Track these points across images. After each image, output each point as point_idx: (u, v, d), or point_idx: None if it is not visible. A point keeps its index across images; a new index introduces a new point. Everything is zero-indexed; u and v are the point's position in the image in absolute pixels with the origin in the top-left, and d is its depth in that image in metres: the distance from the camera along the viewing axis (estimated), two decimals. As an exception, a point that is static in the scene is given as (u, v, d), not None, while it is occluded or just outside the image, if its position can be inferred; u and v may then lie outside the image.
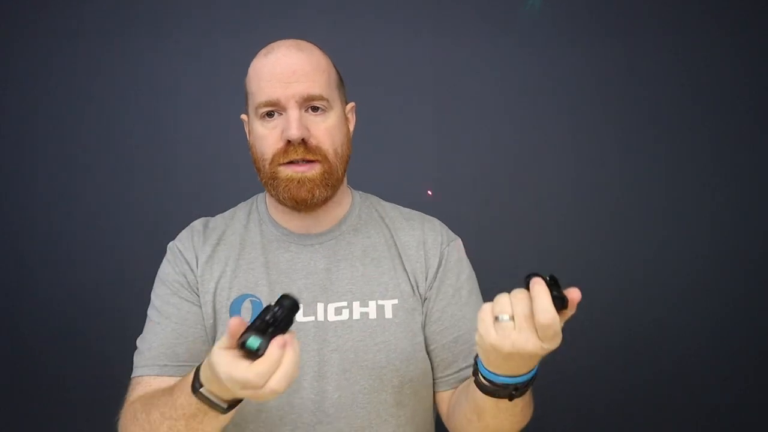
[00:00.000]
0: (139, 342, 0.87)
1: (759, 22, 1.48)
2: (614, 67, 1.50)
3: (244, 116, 0.90)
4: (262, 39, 1.49)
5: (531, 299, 0.62)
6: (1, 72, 1.52)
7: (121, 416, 0.80)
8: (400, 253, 0.89)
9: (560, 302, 0.61)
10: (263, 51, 0.85)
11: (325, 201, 0.86)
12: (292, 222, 0.88)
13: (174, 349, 0.83)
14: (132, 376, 0.85)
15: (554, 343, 0.61)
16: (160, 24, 1.52)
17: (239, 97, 1.50)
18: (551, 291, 0.61)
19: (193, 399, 0.67)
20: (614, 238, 1.50)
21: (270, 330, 0.60)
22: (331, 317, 0.83)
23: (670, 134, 1.50)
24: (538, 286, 0.61)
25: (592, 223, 1.51)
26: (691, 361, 1.50)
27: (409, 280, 0.88)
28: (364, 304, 0.84)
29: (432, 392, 0.91)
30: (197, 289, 0.86)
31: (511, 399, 0.69)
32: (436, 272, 0.89)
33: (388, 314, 0.84)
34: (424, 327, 0.88)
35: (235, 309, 0.83)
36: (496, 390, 0.69)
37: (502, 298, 0.64)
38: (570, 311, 0.63)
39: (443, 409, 0.90)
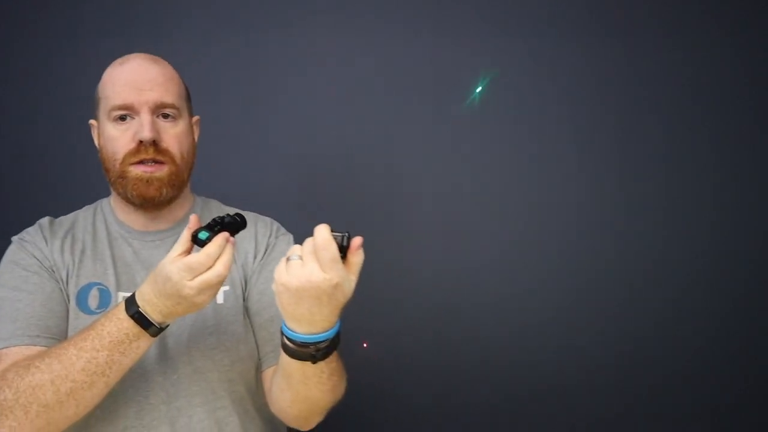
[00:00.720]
0: None
1: (760, 22, 1.48)
2: (614, 67, 1.50)
3: (93, 121, 0.96)
4: (263, 39, 1.51)
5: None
6: (1, 72, 1.53)
7: None
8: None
9: (341, 239, 0.69)
10: (118, 61, 0.93)
11: (170, 201, 0.95)
12: (136, 220, 0.96)
13: (45, 321, 0.85)
14: None
15: (335, 272, 0.67)
16: (160, 24, 1.52)
17: (239, 97, 1.52)
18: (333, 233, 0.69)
19: (126, 323, 0.75)
20: (615, 238, 1.50)
21: (216, 228, 0.76)
22: None
23: (670, 134, 1.50)
24: (320, 226, 0.69)
25: (593, 223, 1.51)
26: (691, 362, 1.50)
27: (240, 269, 0.97)
28: None
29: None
30: (54, 273, 0.90)
31: (314, 362, 0.75)
32: (261, 258, 0.98)
33: (219, 300, 0.93)
34: (246, 308, 0.96)
35: (83, 295, 0.89)
36: (298, 350, 0.75)
37: (296, 246, 0.72)
38: (356, 257, 0.71)
39: (267, 387, 0.95)
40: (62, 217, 1.00)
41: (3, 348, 0.82)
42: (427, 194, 1.52)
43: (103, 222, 0.97)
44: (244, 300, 0.97)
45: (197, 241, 0.75)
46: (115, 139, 0.90)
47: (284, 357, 0.77)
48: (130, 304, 0.77)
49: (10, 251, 0.93)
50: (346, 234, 0.70)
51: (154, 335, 0.78)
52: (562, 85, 1.50)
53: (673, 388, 1.50)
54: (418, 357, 1.52)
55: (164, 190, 0.91)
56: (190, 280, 0.73)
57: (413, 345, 1.52)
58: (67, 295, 0.89)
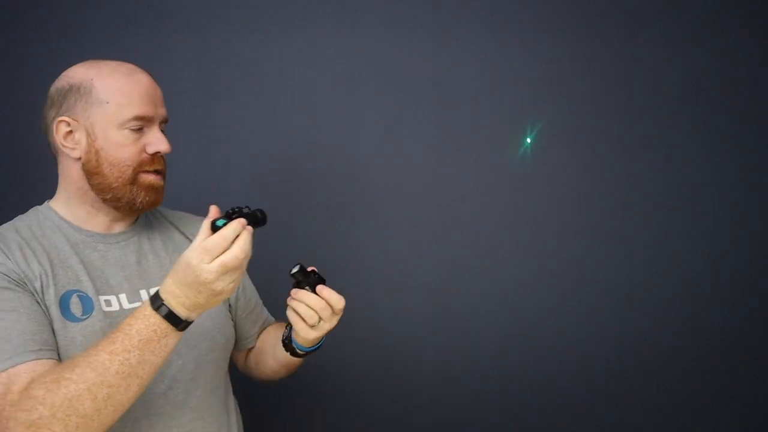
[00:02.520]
0: None
1: (761, 22, 1.48)
2: (615, 67, 1.50)
3: (68, 119, 0.91)
4: (263, 39, 1.51)
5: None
6: (0, 72, 1.53)
7: (11, 413, 0.73)
8: (190, 239, 1.05)
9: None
10: (122, 70, 0.93)
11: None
12: (98, 225, 0.96)
13: (41, 335, 0.81)
14: None
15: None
16: (160, 24, 1.52)
17: (238, 97, 1.52)
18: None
19: (153, 319, 0.77)
20: (616, 239, 1.50)
21: (234, 217, 0.80)
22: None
23: (672, 134, 1.49)
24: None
25: (594, 223, 1.50)
26: (694, 362, 1.50)
27: None
28: None
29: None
30: (28, 286, 0.85)
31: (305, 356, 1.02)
32: None
33: None
34: (237, 299, 1.09)
35: (65, 303, 0.86)
36: (302, 355, 1.02)
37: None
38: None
39: (243, 360, 1.17)
40: (6, 230, 0.92)
41: (10, 368, 0.77)
42: (428, 194, 1.52)
43: (56, 230, 0.93)
44: None
45: (216, 229, 0.78)
46: (126, 146, 0.92)
47: (283, 352, 1.01)
48: (155, 299, 0.78)
49: None
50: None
51: (181, 330, 0.79)
52: (562, 85, 1.50)
53: (674, 389, 1.50)
54: (418, 356, 1.52)
55: (161, 199, 0.98)
56: (209, 263, 0.76)
57: (412, 345, 1.52)
58: (46, 306, 0.85)
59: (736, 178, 1.49)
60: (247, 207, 0.83)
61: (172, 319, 0.78)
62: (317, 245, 1.51)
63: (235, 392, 1.11)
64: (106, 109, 0.91)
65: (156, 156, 0.95)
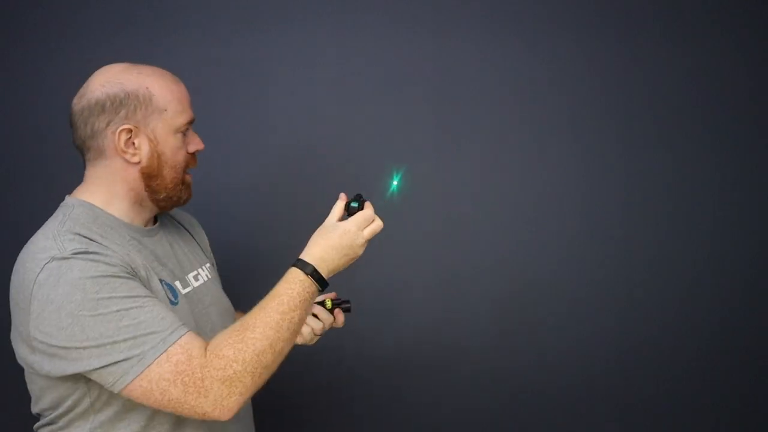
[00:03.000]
0: (130, 333, 0.82)
1: (761, 22, 1.48)
2: (615, 67, 1.50)
3: (131, 126, 0.94)
4: (263, 39, 1.51)
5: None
6: (0, 72, 1.53)
7: (205, 373, 0.83)
8: (189, 230, 1.17)
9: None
10: (169, 77, 0.99)
11: None
12: (142, 220, 1.02)
13: (174, 312, 0.91)
14: (161, 351, 0.82)
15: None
16: (160, 24, 1.52)
17: (238, 97, 1.52)
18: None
19: (307, 282, 0.93)
20: (616, 239, 1.50)
21: (361, 200, 1.04)
22: (194, 284, 1.05)
23: (671, 134, 1.50)
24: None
25: (594, 223, 1.51)
26: (694, 362, 1.50)
27: (202, 248, 1.18)
28: (202, 269, 1.10)
29: None
30: (136, 275, 0.91)
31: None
32: (206, 240, 1.23)
33: (210, 274, 1.12)
34: None
35: (165, 287, 0.96)
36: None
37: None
38: None
39: None
40: (65, 228, 0.91)
41: (180, 339, 0.84)
42: (428, 194, 1.52)
43: (109, 227, 0.94)
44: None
45: (350, 209, 1.02)
46: (180, 149, 1.00)
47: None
48: (304, 265, 0.94)
49: (79, 268, 0.84)
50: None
51: (321, 291, 0.96)
52: (562, 85, 1.50)
53: (674, 389, 1.50)
54: (418, 356, 1.52)
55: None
56: (363, 230, 0.99)
57: (412, 345, 1.52)
58: (154, 292, 0.92)
59: (736, 178, 1.49)
60: (361, 195, 1.04)
61: (320, 280, 0.94)
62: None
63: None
64: (165, 116, 0.96)
65: (194, 155, 1.03)
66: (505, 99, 1.51)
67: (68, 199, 0.97)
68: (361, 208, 1.02)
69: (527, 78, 1.50)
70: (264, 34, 1.52)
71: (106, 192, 0.96)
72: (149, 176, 0.96)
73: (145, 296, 0.86)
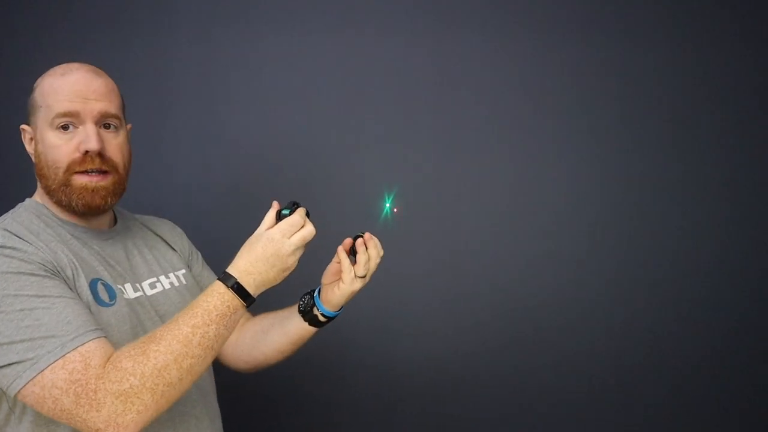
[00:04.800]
0: (28, 334, 0.78)
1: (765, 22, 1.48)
2: (617, 66, 1.49)
3: (26, 127, 0.97)
4: (263, 40, 1.51)
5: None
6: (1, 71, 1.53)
7: (98, 384, 0.76)
8: (163, 238, 1.13)
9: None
10: (59, 71, 0.95)
11: (111, 208, 1.01)
12: (86, 222, 0.99)
13: (91, 317, 0.84)
14: (58, 357, 0.77)
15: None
16: (160, 24, 1.52)
17: (237, 97, 1.52)
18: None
19: (227, 296, 0.86)
20: (619, 240, 1.51)
21: (294, 207, 0.94)
22: (149, 291, 1.00)
23: (673, 134, 1.50)
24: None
25: (595, 223, 1.51)
26: (696, 365, 1.50)
27: (179, 255, 1.13)
28: (166, 277, 1.05)
29: None
30: (60, 272, 0.87)
31: (320, 327, 1.08)
32: (188, 247, 1.18)
33: (183, 281, 1.08)
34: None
35: (94, 290, 0.90)
36: (322, 322, 1.07)
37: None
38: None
39: (228, 350, 1.17)
40: (2, 225, 0.90)
41: (81, 346, 0.78)
42: (428, 194, 1.52)
43: (55, 224, 0.95)
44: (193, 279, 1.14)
45: (280, 218, 0.93)
46: (57, 147, 0.92)
47: (300, 324, 1.06)
48: (227, 278, 0.87)
49: (3, 262, 0.83)
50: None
51: (248, 306, 0.89)
52: (564, 85, 1.50)
53: (678, 392, 1.51)
54: (418, 357, 1.53)
55: (109, 199, 0.95)
56: (290, 237, 0.90)
57: (413, 346, 1.53)
58: (78, 291, 0.88)
59: (743, 178, 1.49)
60: (296, 202, 0.96)
61: (244, 295, 0.87)
62: (317, 245, 1.51)
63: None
64: (41, 112, 0.93)
65: (88, 155, 0.92)
66: (506, 99, 1.50)
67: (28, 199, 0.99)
68: (289, 214, 0.94)
69: (528, 78, 1.50)
70: (264, 34, 1.52)
71: (39, 191, 0.98)
72: (39, 176, 0.95)
73: (58, 296, 0.81)
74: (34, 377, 0.77)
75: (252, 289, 0.88)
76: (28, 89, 0.97)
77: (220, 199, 1.50)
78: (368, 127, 1.53)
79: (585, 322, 1.50)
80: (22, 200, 0.99)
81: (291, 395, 1.54)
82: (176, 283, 1.06)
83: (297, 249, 0.91)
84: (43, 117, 0.93)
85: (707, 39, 1.48)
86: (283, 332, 1.09)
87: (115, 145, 0.96)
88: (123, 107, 1.01)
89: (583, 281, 1.50)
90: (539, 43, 1.50)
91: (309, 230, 0.93)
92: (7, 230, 0.87)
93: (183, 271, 1.10)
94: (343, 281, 1.03)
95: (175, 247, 1.13)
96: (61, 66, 0.96)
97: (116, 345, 0.84)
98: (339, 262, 1.05)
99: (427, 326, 1.52)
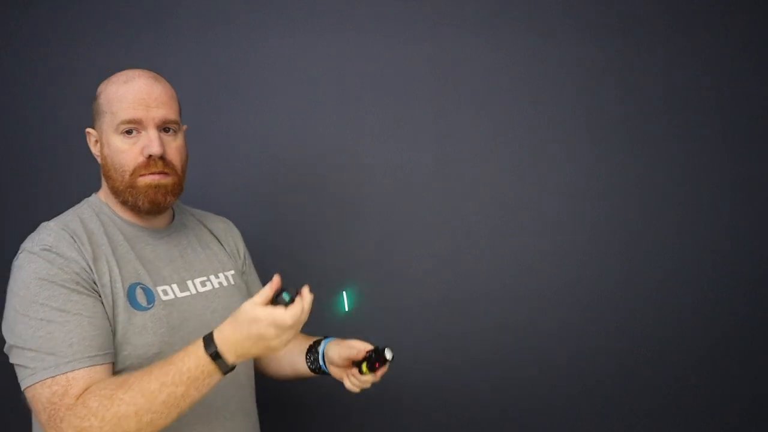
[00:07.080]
0: (38, 345, 0.86)
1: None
2: (617, 67, 1.50)
3: (91, 130, 1.04)
4: (263, 39, 1.51)
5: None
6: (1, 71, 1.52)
7: (66, 415, 0.83)
8: (216, 237, 1.17)
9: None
10: (122, 78, 1.00)
11: (170, 206, 1.07)
12: (143, 221, 1.05)
13: (96, 340, 0.89)
14: (49, 376, 0.85)
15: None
16: (160, 24, 1.51)
17: (238, 98, 1.51)
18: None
19: (203, 361, 0.84)
20: (619, 239, 1.50)
21: (291, 289, 0.84)
22: (200, 289, 1.05)
23: (673, 134, 1.50)
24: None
25: (595, 224, 1.50)
26: (697, 365, 1.50)
27: (229, 255, 1.16)
28: (216, 276, 1.09)
29: None
30: (95, 285, 0.93)
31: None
32: (242, 249, 1.22)
33: (232, 281, 1.11)
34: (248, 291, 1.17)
35: (132, 294, 0.95)
36: (322, 373, 1.14)
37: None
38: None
39: None
40: (64, 221, 0.98)
41: (68, 372, 0.85)
42: (428, 195, 1.52)
43: (111, 223, 1.02)
44: (242, 280, 1.17)
45: (279, 299, 0.84)
46: (123, 151, 0.98)
47: (307, 370, 1.15)
48: (209, 343, 0.85)
49: (36, 265, 0.90)
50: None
51: (224, 374, 0.87)
52: (563, 85, 1.50)
53: (679, 394, 1.50)
54: (418, 358, 1.52)
55: (169, 197, 1.01)
56: (273, 328, 0.83)
57: (413, 347, 1.52)
58: (113, 297, 0.93)
59: (743, 178, 1.49)
60: (298, 290, 0.86)
61: (221, 363, 0.85)
62: (317, 245, 1.52)
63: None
64: (107, 118, 0.99)
65: (151, 159, 0.98)
66: (506, 99, 1.50)
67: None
68: (292, 302, 0.84)
69: (527, 78, 1.50)
70: (264, 34, 1.52)
71: (104, 189, 1.04)
72: (105, 177, 1.02)
73: (76, 313, 0.88)
74: (30, 385, 0.86)
75: (231, 359, 0.86)
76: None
77: (220, 199, 1.49)
78: (368, 127, 1.52)
79: (585, 322, 1.50)
80: (88, 195, 1.05)
81: (289, 395, 1.53)
82: (225, 284, 1.09)
83: (282, 334, 0.85)
84: (108, 122, 0.99)
85: (707, 39, 1.49)
86: (292, 367, 1.18)
87: (174, 147, 1.02)
88: (180, 111, 1.06)
89: (583, 281, 1.50)
90: (539, 42, 1.50)
91: (302, 320, 0.86)
92: (64, 230, 0.94)
93: (232, 271, 1.13)
94: (354, 382, 1.09)
95: (226, 247, 1.17)
96: (124, 73, 1.01)
97: (152, 345, 0.93)
98: (352, 367, 1.09)
99: (427, 326, 1.51)
